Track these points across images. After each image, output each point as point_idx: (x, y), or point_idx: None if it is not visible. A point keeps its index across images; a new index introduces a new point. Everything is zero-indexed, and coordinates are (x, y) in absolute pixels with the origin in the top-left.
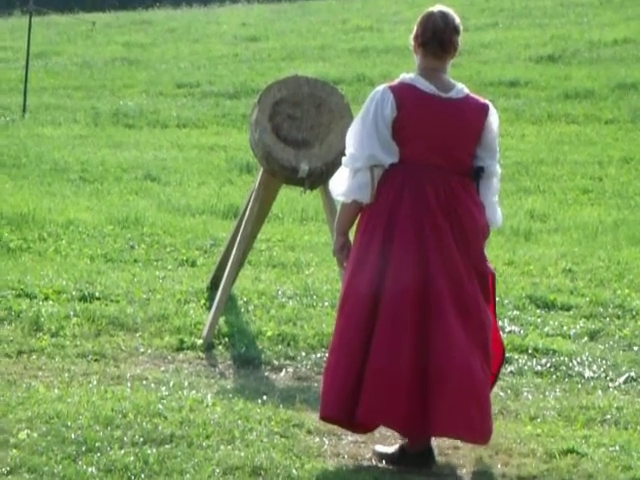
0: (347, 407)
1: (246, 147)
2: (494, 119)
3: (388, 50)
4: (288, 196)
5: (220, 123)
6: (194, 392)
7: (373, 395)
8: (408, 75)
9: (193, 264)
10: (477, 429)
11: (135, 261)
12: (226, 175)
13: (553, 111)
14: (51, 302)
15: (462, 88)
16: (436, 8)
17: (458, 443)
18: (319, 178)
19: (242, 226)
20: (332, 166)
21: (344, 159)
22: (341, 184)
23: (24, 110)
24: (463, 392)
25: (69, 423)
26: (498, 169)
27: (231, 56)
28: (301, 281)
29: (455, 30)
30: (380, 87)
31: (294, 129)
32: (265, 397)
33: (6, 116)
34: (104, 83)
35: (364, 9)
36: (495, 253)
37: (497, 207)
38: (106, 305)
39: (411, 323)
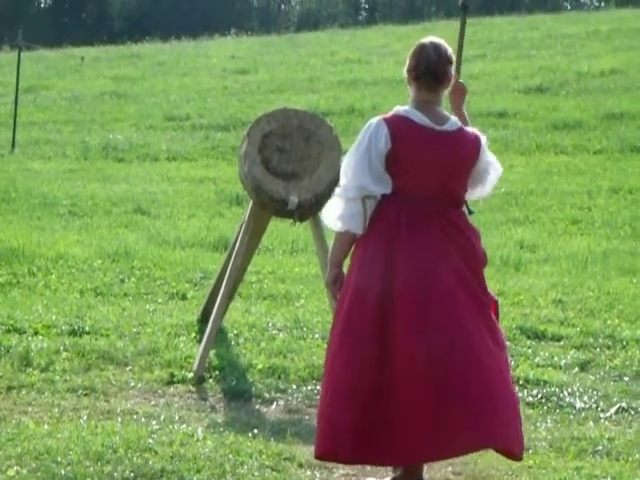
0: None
1: (236, 179)
2: (486, 153)
3: (377, 82)
4: (278, 228)
5: (210, 156)
6: (185, 426)
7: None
8: (402, 107)
9: (183, 297)
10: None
11: (125, 295)
12: (216, 207)
13: (542, 142)
14: (41, 337)
15: (455, 121)
16: (428, 40)
17: (450, 475)
18: (309, 210)
19: (232, 258)
20: (322, 198)
21: (337, 189)
22: (334, 214)
23: (13, 145)
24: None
25: (59, 459)
26: (487, 190)
27: (220, 89)
28: (291, 313)
29: (448, 61)
30: (374, 119)
31: (283, 161)
32: (256, 430)
33: None
34: (93, 117)
35: (352, 42)
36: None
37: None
38: (96, 339)
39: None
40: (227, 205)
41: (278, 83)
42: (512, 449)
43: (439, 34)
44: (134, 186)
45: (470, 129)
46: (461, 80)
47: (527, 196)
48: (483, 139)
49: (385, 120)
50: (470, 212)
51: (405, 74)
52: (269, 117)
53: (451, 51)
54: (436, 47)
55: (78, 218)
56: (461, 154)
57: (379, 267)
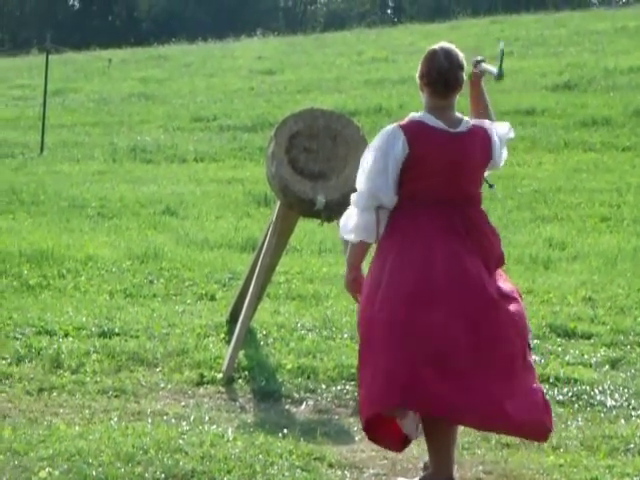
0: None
1: (263, 180)
2: (494, 136)
3: (404, 81)
4: (306, 228)
5: (237, 156)
6: (215, 427)
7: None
8: (417, 114)
9: (212, 298)
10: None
11: (154, 296)
12: (244, 208)
13: (570, 139)
14: (71, 339)
15: (468, 122)
16: (438, 46)
17: (481, 474)
18: (336, 210)
19: (260, 259)
20: (349, 198)
21: (352, 197)
22: (348, 223)
23: (42, 147)
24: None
25: (90, 460)
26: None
27: (247, 89)
28: (320, 313)
29: (460, 67)
30: (390, 126)
31: (311, 162)
32: (286, 431)
33: (24, 154)
34: (121, 119)
35: (379, 40)
36: (514, 282)
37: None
38: (126, 341)
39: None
40: (255, 206)
41: (305, 83)
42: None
43: (465, 32)
44: (162, 187)
45: (480, 123)
46: (481, 67)
47: (556, 194)
48: (491, 131)
49: (401, 126)
50: (490, 186)
51: (417, 80)
52: (296, 117)
53: (462, 56)
54: (447, 53)
55: (107, 220)
56: (476, 154)
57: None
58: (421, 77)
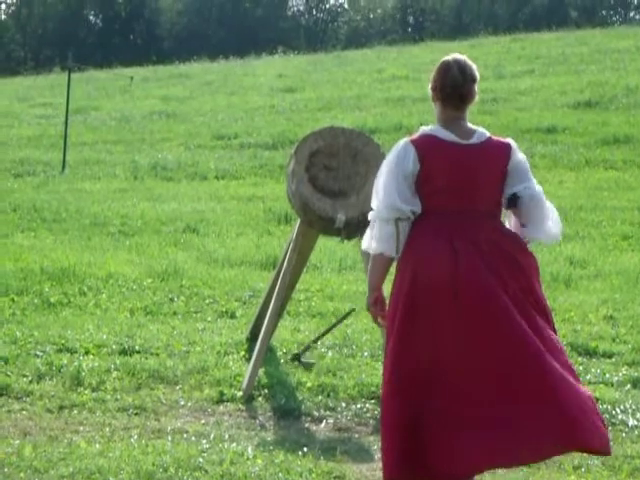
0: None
1: (284, 197)
2: (518, 154)
3: (424, 99)
4: (326, 246)
5: (258, 174)
6: (235, 445)
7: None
8: (428, 127)
9: (232, 315)
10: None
11: (174, 313)
12: (264, 226)
13: (591, 157)
14: (92, 356)
15: (483, 132)
16: (452, 58)
17: None
18: (356, 228)
19: (281, 276)
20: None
21: (370, 213)
22: (368, 237)
23: (64, 165)
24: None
25: (110, 478)
26: (536, 189)
27: (268, 107)
28: (340, 331)
29: (473, 80)
30: (401, 141)
31: (331, 179)
32: (306, 449)
33: (46, 172)
34: (143, 137)
35: (399, 58)
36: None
37: (545, 223)
38: (146, 358)
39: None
40: (275, 223)
41: (325, 101)
42: (589, 444)
43: (486, 50)
44: (183, 205)
45: (501, 138)
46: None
47: (577, 212)
48: (514, 146)
49: (412, 141)
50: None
51: (430, 92)
52: (316, 135)
53: (476, 68)
54: (461, 67)
55: (128, 237)
56: (490, 165)
57: (422, 304)
58: (434, 90)
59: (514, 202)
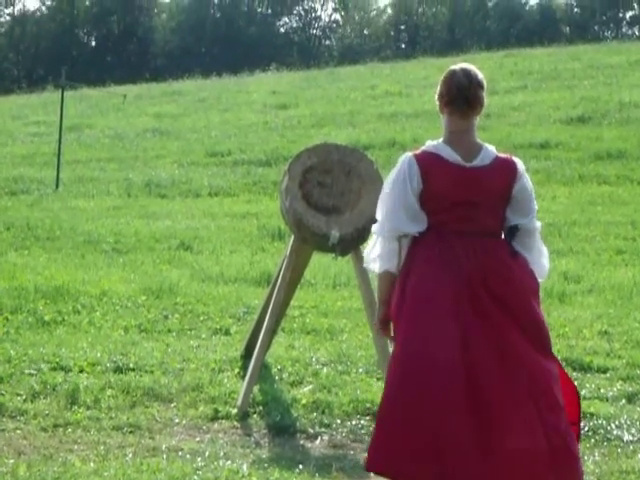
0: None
1: (277, 214)
2: (524, 179)
3: (418, 114)
4: (320, 262)
5: (251, 191)
6: (230, 462)
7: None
8: (433, 143)
9: (227, 332)
10: None
11: (169, 331)
12: (258, 242)
13: (584, 172)
14: (86, 374)
15: (490, 152)
16: (458, 66)
17: None
18: (350, 244)
19: (275, 293)
20: (363, 232)
21: (373, 227)
22: (371, 253)
23: (57, 183)
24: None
25: None
26: (535, 225)
27: (261, 124)
28: (335, 347)
29: (480, 85)
30: (406, 156)
31: (324, 196)
32: (301, 466)
33: (40, 190)
34: (136, 154)
35: (392, 74)
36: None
37: (538, 263)
38: (140, 376)
39: (462, 400)
40: (269, 240)
41: (319, 118)
42: None
43: (479, 66)
44: (177, 222)
45: (508, 157)
46: None
47: (570, 227)
48: (520, 169)
49: (416, 158)
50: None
51: (437, 101)
52: (310, 152)
53: (482, 76)
54: (466, 72)
55: (122, 255)
56: (493, 188)
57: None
58: (440, 97)
59: (513, 234)
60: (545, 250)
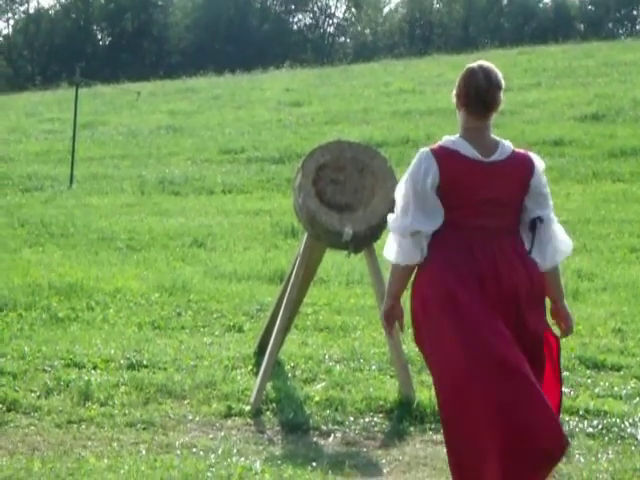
0: None
1: (291, 211)
2: (540, 172)
3: (431, 112)
4: (333, 259)
5: (265, 188)
6: (243, 459)
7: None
8: (451, 138)
9: (240, 329)
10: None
11: (182, 328)
12: (271, 240)
13: (598, 169)
14: (99, 371)
15: (507, 147)
16: (477, 64)
17: None
18: (363, 241)
19: (288, 290)
20: (376, 229)
21: (391, 222)
22: (392, 247)
23: (71, 180)
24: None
25: None
26: (553, 217)
27: (275, 121)
28: (348, 345)
29: (498, 87)
30: (424, 151)
31: (338, 193)
32: (314, 463)
33: (54, 187)
34: (150, 151)
35: (406, 72)
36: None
37: (556, 249)
38: (154, 373)
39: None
40: (282, 237)
41: (332, 115)
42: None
43: (493, 63)
44: (190, 219)
45: (524, 152)
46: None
47: (584, 224)
48: (537, 163)
49: (434, 153)
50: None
51: (453, 98)
52: (323, 149)
53: (501, 75)
54: (486, 73)
55: (135, 252)
56: (512, 183)
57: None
58: (458, 96)
59: (534, 226)
60: (566, 239)
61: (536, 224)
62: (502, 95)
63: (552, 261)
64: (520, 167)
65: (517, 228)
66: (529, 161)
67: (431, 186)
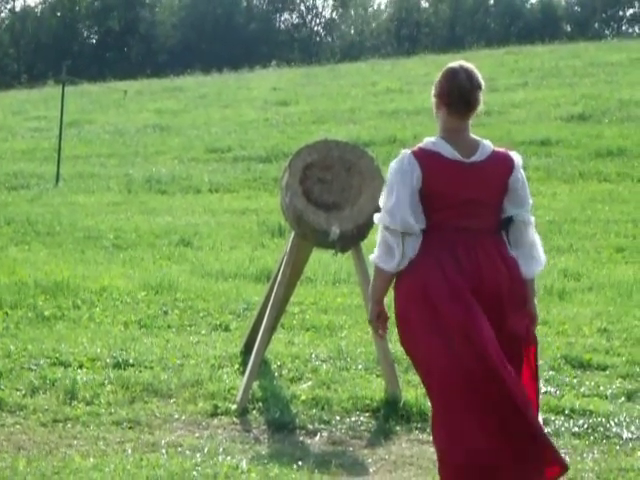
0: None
1: (278, 210)
2: (518, 168)
3: (418, 111)
4: (320, 259)
5: (251, 187)
6: (229, 458)
7: None
8: (431, 139)
9: (226, 328)
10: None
11: (169, 327)
12: (258, 239)
13: (585, 169)
14: (85, 370)
15: (487, 147)
16: (458, 64)
17: None
18: (350, 241)
19: (274, 289)
20: (363, 228)
21: (376, 220)
22: (376, 250)
23: (58, 179)
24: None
25: None
26: (529, 218)
27: (262, 120)
28: (334, 344)
29: (480, 87)
30: (405, 154)
31: (325, 192)
32: (300, 462)
33: (40, 185)
34: (137, 150)
35: (393, 71)
36: None
37: (532, 257)
38: (140, 372)
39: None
40: (269, 236)
41: (319, 114)
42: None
43: (479, 63)
44: (177, 218)
45: (504, 151)
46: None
47: (570, 224)
48: (517, 162)
49: (415, 156)
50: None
51: (433, 97)
52: (310, 148)
53: (480, 76)
54: (468, 73)
55: (122, 251)
56: (492, 183)
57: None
58: (439, 96)
59: (507, 225)
60: (539, 243)
61: (508, 223)
62: (482, 96)
63: (530, 274)
64: (500, 166)
65: (498, 228)
66: (509, 160)
67: (414, 189)
